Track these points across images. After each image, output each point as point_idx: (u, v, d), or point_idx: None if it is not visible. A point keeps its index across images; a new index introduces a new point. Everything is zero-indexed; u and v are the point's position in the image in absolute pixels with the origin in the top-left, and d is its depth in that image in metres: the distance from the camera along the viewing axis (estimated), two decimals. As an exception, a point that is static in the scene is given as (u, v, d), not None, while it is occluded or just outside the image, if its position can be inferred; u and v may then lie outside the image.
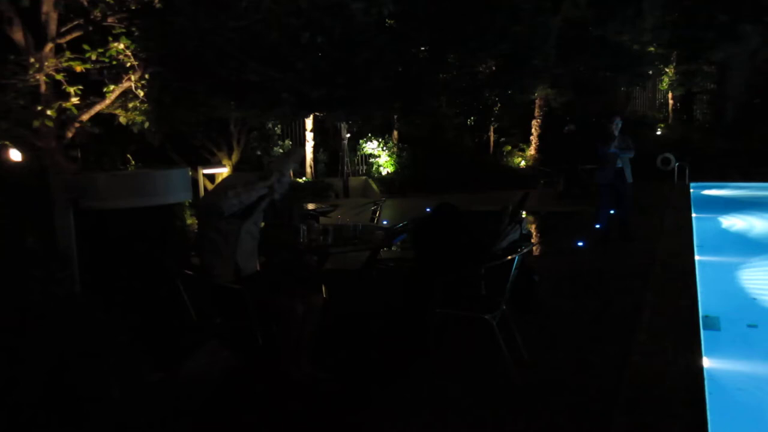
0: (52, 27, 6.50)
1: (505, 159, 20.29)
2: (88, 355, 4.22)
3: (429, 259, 4.57)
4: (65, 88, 6.58)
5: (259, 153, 15.62)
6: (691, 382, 3.77)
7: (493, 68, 18.68)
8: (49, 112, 6.28)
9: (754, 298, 5.98)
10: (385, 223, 8.28)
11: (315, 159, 17.05)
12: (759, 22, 18.90)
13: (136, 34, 6.78)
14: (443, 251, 4.48)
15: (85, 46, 6.54)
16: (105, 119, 7.58)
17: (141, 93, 7.12)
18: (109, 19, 6.57)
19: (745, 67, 20.77)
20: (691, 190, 14.60)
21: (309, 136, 16.61)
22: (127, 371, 4.12)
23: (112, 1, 6.52)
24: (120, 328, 4.68)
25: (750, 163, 17.69)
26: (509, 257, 3.99)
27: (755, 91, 21.09)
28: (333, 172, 17.83)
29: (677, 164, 17.72)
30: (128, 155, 9.75)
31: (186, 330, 4.09)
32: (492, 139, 20.99)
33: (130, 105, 7.28)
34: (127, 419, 3.54)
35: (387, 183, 17.63)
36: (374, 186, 17.24)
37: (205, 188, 12.68)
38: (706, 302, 5.44)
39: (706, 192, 15.31)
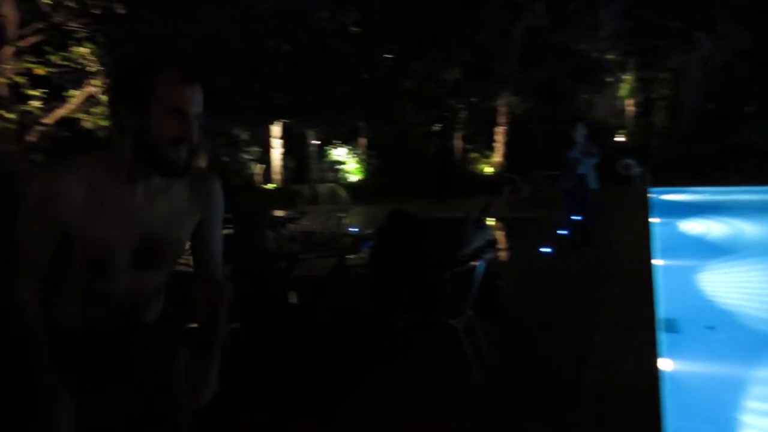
0: (12, 29, 6.38)
1: (470, 165, 20.49)
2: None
3: (392, 266, 4.59)
4: (26, 91, 6.46)
5: (226, 159, 15.49)
6: (650, 384, 3.87)
7: (458, 76, 18.87)
8: (8, 115, 6.16)
9: (712, 301, 6.14)
10: (353, 230, 8.30)
11: (284, 166, 16.98)
12: (710, 29, 19.47)
13: (99, 39, 6.69)
14: (403, 259, 4.50)
15: (48, 49, 6.44)
16: (72, 124, 7.48)
17: (105, 98, 7.03)
18: (72, 24, 6.48)
19: (699, 73, 21.35)
20: (650, 195, 14.90)
21: (277, 143, 16.53)
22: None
23: (74, 6, 6.44)
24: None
25: (706, 167, 18.17)
26: (474, 263, 4.06)
27: (710, 97, 21.68)
28: (301, 178, 17.78)
29: (637, 170, 18.12)
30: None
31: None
32: (457, 145, 21.16)
33: (93, 110, 7.18)
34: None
35: (355, 190, 17.65)
36: (342, 193, 17.25)
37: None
38: (665, 305, 5.59)
39: (665, 197, 15.63)
